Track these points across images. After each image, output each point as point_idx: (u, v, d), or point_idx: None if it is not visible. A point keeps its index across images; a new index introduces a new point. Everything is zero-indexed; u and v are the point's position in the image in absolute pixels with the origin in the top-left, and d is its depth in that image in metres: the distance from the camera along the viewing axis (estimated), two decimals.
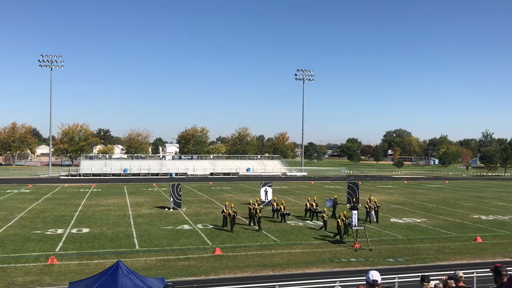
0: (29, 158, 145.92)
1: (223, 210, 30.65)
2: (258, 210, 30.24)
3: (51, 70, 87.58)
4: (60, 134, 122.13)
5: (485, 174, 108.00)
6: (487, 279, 14.42)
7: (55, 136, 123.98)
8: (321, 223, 30.56)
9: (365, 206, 34.08)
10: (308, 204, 35.55)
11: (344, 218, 26.75)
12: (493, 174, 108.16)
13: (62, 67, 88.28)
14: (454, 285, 9.19)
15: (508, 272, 6.78)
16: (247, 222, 31.70)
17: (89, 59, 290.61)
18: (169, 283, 11.85)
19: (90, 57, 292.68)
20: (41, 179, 74.87)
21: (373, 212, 33.43)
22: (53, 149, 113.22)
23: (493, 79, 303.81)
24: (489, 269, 7.40)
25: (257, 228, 29.48)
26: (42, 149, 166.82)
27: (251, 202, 33.11)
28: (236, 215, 30.11)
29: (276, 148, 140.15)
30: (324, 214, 30.19)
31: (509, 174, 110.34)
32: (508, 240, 27.40)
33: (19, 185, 61.00)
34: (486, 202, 47.64)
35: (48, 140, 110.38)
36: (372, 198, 35.48)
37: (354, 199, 39.92)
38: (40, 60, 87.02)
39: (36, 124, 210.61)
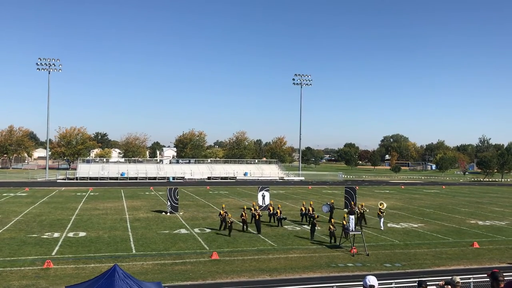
0: (26, 161, 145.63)
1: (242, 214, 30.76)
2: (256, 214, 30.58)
3: (49, 73, 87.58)
4: (57, 138, 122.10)
5: (482, 180, 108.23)
6: (484, 285, 14.44)
7: (52, 140, 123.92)
8: (318, 228, 30.44)
9: (378, 213, 33.53)
10: (303, 208, 35.46)
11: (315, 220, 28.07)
12: (490, 180, 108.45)
13: (60, 71, 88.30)
14: None
15: (505, 278, 6.79)
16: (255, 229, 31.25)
17: (87, 63, 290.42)
18: None
19: (88, 60, 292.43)
20: (38, 182, 74.68)
21: (382, 219, 33.03)
22: (50, 153, 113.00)
23: (490, 85, 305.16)
24: (486, 275, 7.41)
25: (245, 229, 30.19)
26: (39, 152, 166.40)
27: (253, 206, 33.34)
28: (228, 215, 30.75)
29: (273, 152, 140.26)
30: (330, 225, 28.22)
31: (506, 179, 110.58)
32: (505, 246, 27.43)
33: (16, 188, 60.83)
34: (483, 207, 47.71)
35: (45, 144, 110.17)
36: (382, 208, 34.42)
37: (353, 203, 39.80)
38: (38, 63, 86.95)
39: (33, 128, 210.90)
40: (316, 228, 29.07)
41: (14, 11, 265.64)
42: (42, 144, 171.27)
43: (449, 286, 9.35)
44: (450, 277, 9.73)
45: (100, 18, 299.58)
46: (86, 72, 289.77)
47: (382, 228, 32.35)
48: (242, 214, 31.00)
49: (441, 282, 10.15)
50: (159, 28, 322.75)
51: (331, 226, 27.51)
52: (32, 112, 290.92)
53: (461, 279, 9.75)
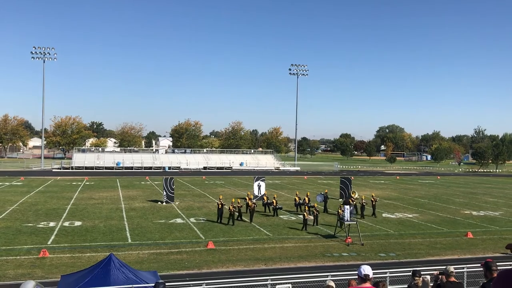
0: (21, 150, 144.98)
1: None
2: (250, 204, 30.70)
3: (44, 62, 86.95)
4: (52, 127, 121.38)
5: (476, 170, 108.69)
6: (477, 274, 14.55)
7: (48, 129, 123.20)
8: (311, 217, 30.63)
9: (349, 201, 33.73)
10: (297, 198, 35.53)
11: (315, 211, 29.51)
12: (485, 170, 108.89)
13: (55, 59, 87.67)
14: (445, 280, 9.28)
15: (498, 267, 6.85)
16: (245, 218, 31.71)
17: (82, 52, 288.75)
18: (160, 281, 11.84)
19: (83, 49, 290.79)
20: (33, 171, 74.46)
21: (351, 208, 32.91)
22: (45, 142, 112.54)
23: (485, 76, 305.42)
24: (479, 264, 7.47)
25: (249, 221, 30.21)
26: (34, 141, 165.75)
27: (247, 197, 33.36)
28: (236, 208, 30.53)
29: (269, 142, 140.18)
30: (314, 209, 30.34)
31: (500, 170, 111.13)
32: (498, 236, 27.67)
33: (11, 177, 60.64)
34: (477, 198, 48.00)
35: (40, 133, 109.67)
36: (354, 196, 34.59)
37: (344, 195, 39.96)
38: (33, 52, 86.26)
39: (28, 117, 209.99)
40: (314, 217, 29.70)
41: None
42: (37, 133, 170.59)
43: (443, 276, 9.44)
44: (444, 267, 9.82)
45: (95, 7, 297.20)
46: (82, 61, 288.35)
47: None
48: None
49: (436, 272, 10.25)
50: (154, 18, 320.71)
51: (305, 214, 28.63)
52: (27, 101, 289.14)
53: (455, 268, 9.83)
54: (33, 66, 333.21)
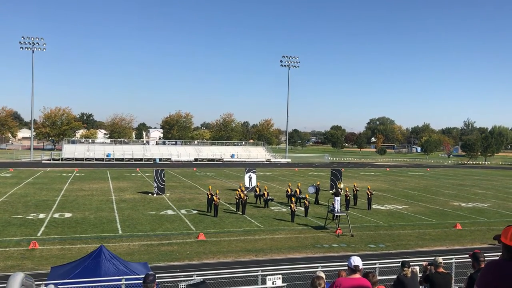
0: (10, 141, 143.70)
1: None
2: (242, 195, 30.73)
3: (33, 52, 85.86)
4: (42, 118, 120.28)
5: (466, 163, 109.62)
6: (465, 265, 14.72)
7: (37, 120, 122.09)
8: (302, 209, 30.75)
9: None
10: (289, 190, 35.65)
11: (306, 202, 29.78)
12: (474, 163, 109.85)
13: (44, 50, 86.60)
14: (434, 271, 9.37)
15: (486, 258, 6.94)
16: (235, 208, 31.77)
17: (72, 43, 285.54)
18: (151, 273, 11.86)
19: (73, 40, 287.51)
20: (22, 163, 73.88)
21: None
22: (34, 133, 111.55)
23: (475, 69, 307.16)
24: (467, 255, 7.56)
25: (241, 213, 30.25)
26: (24, 132, 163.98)
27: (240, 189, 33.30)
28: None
29: (260, 134, 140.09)
30: (305, 201, 30.49)
31: (489, 162, 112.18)
32: (486, 227, 27.99)
33: (0, 169, 60.10)
34: (466, 189, 48.45)
35: (29, 124, 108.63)
36: (340, 186, 34.87)
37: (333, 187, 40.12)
38: (22, 42, 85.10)
39: (17, 108, 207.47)
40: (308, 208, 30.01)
41: None
42: (26, 124, 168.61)
43: (432, 267, 9.54)
44: (433, 258, 9.91)
45: None
46: (72, 52, 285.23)
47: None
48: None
49: (424, 262, 10.35)
50: (145, 7, 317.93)
51: (292, 205, 28.74)
52: (16, 92, 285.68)
53: (444, 259, 9.93)
54: (22, 56, 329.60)
